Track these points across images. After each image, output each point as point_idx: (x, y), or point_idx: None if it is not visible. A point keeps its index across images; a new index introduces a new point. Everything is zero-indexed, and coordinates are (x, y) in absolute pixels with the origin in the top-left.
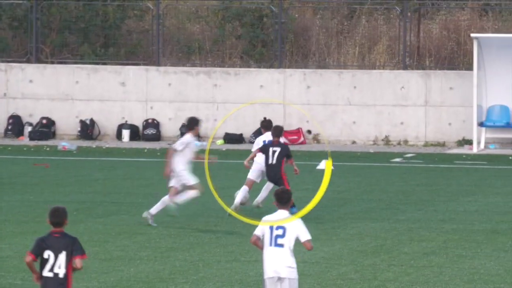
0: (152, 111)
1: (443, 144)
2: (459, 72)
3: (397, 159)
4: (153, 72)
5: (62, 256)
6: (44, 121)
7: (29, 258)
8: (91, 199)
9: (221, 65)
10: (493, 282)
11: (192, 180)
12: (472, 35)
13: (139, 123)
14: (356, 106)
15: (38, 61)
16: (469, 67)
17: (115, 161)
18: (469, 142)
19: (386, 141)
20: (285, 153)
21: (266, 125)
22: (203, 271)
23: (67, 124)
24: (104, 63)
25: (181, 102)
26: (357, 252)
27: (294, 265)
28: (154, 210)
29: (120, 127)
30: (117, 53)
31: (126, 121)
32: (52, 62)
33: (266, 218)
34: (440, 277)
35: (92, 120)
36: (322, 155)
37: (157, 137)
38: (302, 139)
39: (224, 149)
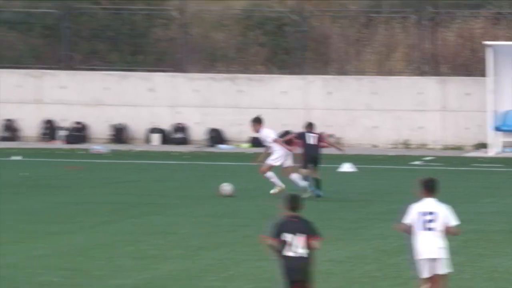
0: (179, 116)
1: (460, 148)
2: (475, 78)
3: (417, 162)
4: (180, 78)
5: (300, 238)
6: (77, 125)
7: (270, 241)
8: (125, 200)
9: (245, 71)
10: None
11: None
12: (485, 43)
13: (167, 127)
14: (376, 111)
15: (70, 68)
16: (485, 74)
17: (145, 163)
18: (486, 146)
19: (406, 144)
20: (320, 138)
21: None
22: (232, 269)
23: (99, 128)
24: (133, 70)
25: (207, 107)
26: (381, 252)
27: (445, 246)
28: (301, 185)
29: (149, 131)
30: (145, 61)
31: (155, 125)
32: (83, 69)
33: (415, 205)
34: (461, 276)
35: (123, 125)
36: (344, 158)
37: (184, 140)
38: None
39: (251, 152)
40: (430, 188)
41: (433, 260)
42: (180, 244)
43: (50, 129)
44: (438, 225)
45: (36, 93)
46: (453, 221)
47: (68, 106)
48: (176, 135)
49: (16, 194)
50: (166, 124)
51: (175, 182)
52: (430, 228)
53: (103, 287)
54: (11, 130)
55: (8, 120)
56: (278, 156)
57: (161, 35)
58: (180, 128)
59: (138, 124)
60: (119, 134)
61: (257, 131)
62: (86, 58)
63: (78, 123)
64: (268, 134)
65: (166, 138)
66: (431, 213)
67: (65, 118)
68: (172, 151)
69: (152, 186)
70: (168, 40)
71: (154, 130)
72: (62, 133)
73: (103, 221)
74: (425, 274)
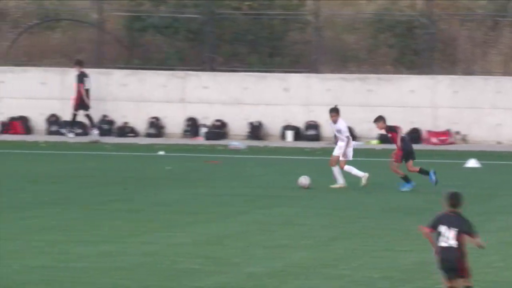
0: (312, 114)
1: None
2: None
3: None
4: (314, 79)
5: (453, 231)
6: (217, 123)
7: (425, 230)
8: (257, 193)
9: (375, 71)
10: None
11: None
12: None
13: (301, 124)
14: (501, 109)
15: (212, 69)
16: None
17: (279, 158)
18: None
19: None
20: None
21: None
22: (361, 259)
23: (238, 126)
24: (270, 71)
25: (339, 106)
26: (504, 243)
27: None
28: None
29: (284, 128)
30: (281, 62)
31: (290, 123)
32: (224, 71)
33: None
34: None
35: (259, 122)
36: (470, 155)
37: (317, 137)
38: (450, 139)
39: (379, 149)
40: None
41: None
42: (308, 234)
43: (193, 127)
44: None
45: (180, 93)
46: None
47: (209, 105)
48: (308, 132)
49: (160, 186)
50: (300, 121)
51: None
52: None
53: (239, 274)
54: (157, 127)
55: (155, 118)
56: (343, 149)
57: (297, 38)
58: (313, 126)
59: (273, 121)
60: (256, 131)
61: (335, 121)
62: (227, 60)
63: (218, 120)
64: (344, 127)
65: (299, 135)
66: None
67: (207, 116)
68: (305, 147)
69: (282, 179)
70: (303, 42)
71: (288, 127)
72: (204, 130)
73: (237, 212)
74: None
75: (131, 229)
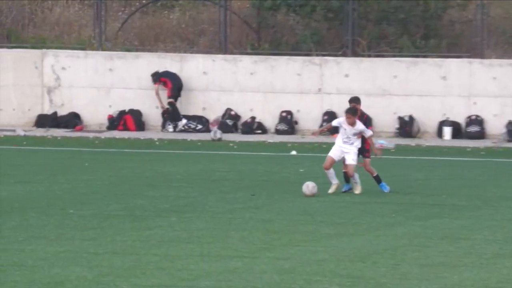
0: (475, 106)
1: None
2: None
3: None
4: (477, 65)
5: None
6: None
7: None
8: (410, 201)
9: None
10: None
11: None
12: None
13: (461, 119)
14: None
15: (354, 54)
16: None
17: (435, 160)
18: None
19: None
20: None
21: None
22: None
23: (384, 121)
24: (424, 56)
25: (507, 97)
26: None
27: None
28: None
29: (441, 124)
30: (438, 45)
31: (448, 117)
32: (369, 55)
33: None
34: None
35: (411, 117)
36: None
37: (481, 135)
38: None
39: None
40: None
41: None
42: (472, 250)
43: (331, 122)
44: None
45: (317, 82)
46: None
47: (350, 96)
48: (470, 129)
49: (294, 192)
50: (460, 116)
51: (467, 180)
52: None
53: None
54: (289, 123)
55: (286, 111)
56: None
57: (456, 16)
58: (476, 121)
59: (427, 116)
60: (406, 127)
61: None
62: (372, 43)
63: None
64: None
65: (460, 132)
66: None
67: None
68: (466, 147)
69: (440, 185)
70: (464, 22)
71: (445, 123)
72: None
73: (386, 223)
74: None
75: (262, 242)
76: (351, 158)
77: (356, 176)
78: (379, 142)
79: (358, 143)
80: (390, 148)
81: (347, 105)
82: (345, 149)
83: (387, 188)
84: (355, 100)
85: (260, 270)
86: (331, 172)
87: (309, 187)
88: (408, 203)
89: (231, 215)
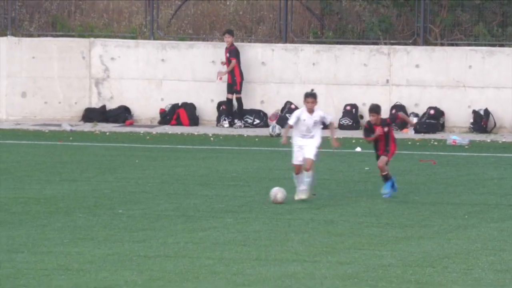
0: None
1: None
2: None
3: None
4: None
5: None
6: (432, 112)
7: None
8: (485, 201)
9: None
10: None
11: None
12: None
13: None
14: None
15: (426, 43)
16: None
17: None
18: None
19: None
20: None
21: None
22: None
23: (458, 115)
24: (501, 45)
25: None
26: None
27: None
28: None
29: None
30: None
31: None
32: (442, 44)
33: None
34: None
35: (486, 111)
36: None
37: None
38: None
39: None
40: None
41: None
42: None
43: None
44: None
45: (385, 73)
46: None
47: (422, 88)
48: None
49: (360, 192)
50: None
51: None
52: None
53: None
54: (354, 117)
55: (351, 105)
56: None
57: None
58: None
59: (505, 109)
60: (481, 121)
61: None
62: (445, 31)
63: (432, 108)
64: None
65: None
66: None
67: (418, 102)
68: None
69: None
70: None
71: None
72: (414, 120)
73: (459, 225)
74: None
75: (324, 245)
76: (310, 152)
77: (310, 176)
78: (452, 138)
79: (319, 136)
80: (464, 145)
81: (419, 98)
82: (304, 144)
83: (388, 191)
84: (374, 110)
85: (321, 275)
86: (301, 176)
87: (277, 196)
88: (482, 203)
89: (290, 216)
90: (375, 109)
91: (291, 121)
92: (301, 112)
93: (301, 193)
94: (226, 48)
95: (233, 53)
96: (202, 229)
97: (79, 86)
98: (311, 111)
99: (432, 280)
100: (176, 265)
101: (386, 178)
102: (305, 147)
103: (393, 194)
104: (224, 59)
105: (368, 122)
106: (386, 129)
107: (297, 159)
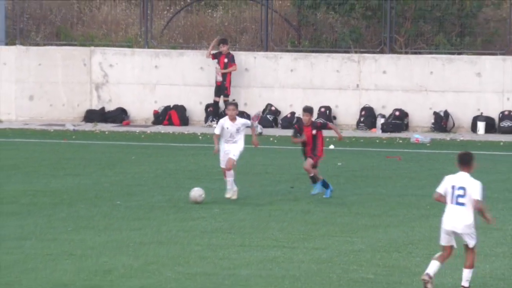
0: (508, 102)
1: None
2: None
3: None
4: (510, 62)
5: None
6: (397, 113)
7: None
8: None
9: None
10: None
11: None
12: None
13: (495, 115)
14: None
15: (392, 51)
16: None
17: None
18: None
19: None
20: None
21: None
22: None
23: (421, 116)
24: (459, 53)
25: None
26: None
27: (472, 223)
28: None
29: (475, 119)
30: (473, 43)
31: (482, 113)
32: (406, 53)
33: (448, 177)
34: None
35: (446, 112)
36: None
37: None
38: None
39: None
40: (462, 162)
41: (455, 233)
42: (503, 241)
43: (368, 117)
44: (467, 200)
45: (355, 79)
46: (476, 196)
47: (388, 92)
48: (504, 124)
49: (333, 185)
50: (494, 111)
51: (497, 174)
52: (459, 203)
53: (421, 286)
54: (328, 118)
55: (325, 107)
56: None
57: (491, 14)
58: (509, 116)
59: (462, 111)
60: (442, 122)
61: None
62: (409, 40)
63: (398, 110)
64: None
65: (493, 127)
66: (460, 187)
67: (385, 105)
68: (499, 141)
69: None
70: (498, 20)
71: (479, 118)
72: (381, 121)
73: (422, 215)
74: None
75: (301, 233)
76: (233, 154)
77: (232, 176)
78: (415, 137)
79: (242, 142)
80: (426, 143)
81: (385, 101)
82: (229, 149)
83: (317, 192)
84: (308, 110)
85: (299, 259)
86: (230, 176)
87: (196, 195)
88: None
89: (271, 206)
90: (309, 110)
91: (217, 130)
92: (224, 121)
93: (229, 192)
94: (223, 55)
95: (232, 59)
96: (192, 219)
97: (81, 90)
98: (233, 119)
99: (398, 264)
100: (168, 250)
101: (314, 179)
102: (229, 151)
103: (331, 194)
104: (218, 66)
105: (298, 122)
106: (314, 131)
107: (222, 164)
